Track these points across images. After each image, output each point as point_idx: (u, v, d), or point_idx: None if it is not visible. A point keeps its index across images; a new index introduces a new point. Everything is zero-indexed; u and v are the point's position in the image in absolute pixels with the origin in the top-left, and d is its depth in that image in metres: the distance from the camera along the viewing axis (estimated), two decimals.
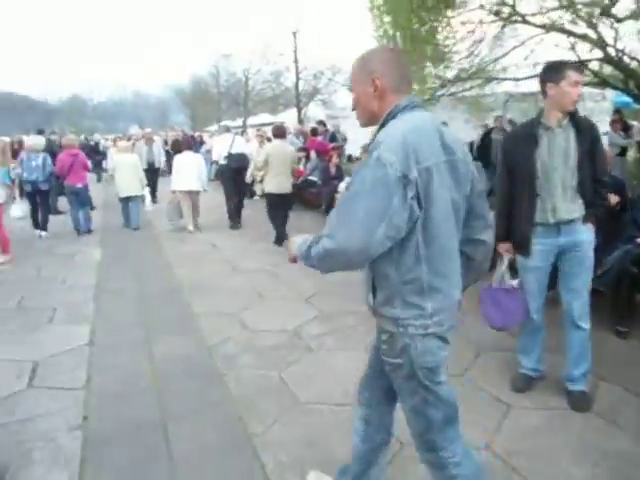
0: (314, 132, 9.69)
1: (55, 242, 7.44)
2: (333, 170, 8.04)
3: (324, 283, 4.81)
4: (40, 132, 15.31)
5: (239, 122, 28.31)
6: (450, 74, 7.20)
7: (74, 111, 79.61)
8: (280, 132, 6.93)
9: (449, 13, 6.74)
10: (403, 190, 1.33)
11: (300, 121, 20.93)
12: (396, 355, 1.51)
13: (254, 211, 8.61)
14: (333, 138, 11.08)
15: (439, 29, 6.87)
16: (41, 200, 7.75)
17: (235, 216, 7.92)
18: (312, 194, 8.62)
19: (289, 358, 3.37)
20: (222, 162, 7.93)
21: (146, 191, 8.54)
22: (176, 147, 9.55)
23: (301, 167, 9.28)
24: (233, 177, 7.83)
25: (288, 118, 24.25)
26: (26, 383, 3.17)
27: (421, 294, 1.44)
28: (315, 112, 22.47)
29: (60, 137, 13.97)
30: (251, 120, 28.54)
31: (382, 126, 1.48)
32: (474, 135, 10.10)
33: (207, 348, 3.58)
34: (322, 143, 9.56)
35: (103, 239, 7.61)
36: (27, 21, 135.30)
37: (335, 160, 8.10)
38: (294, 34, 23.44)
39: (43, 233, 7.76)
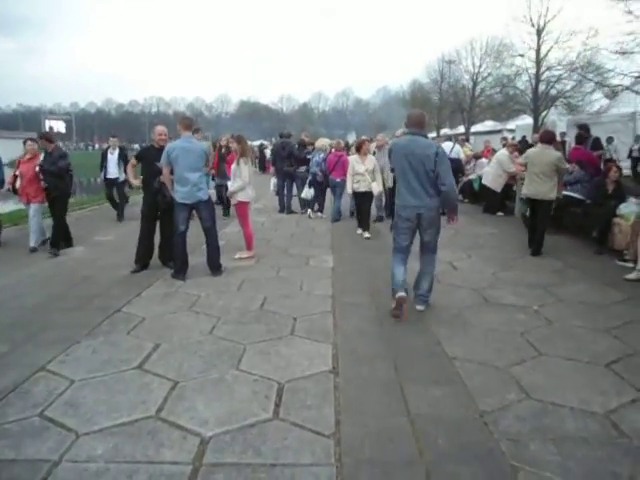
0: (579, 139, 7.94)
1: (295, 240, 7.60)
2: (611, 187, 6.33)
3: (630, 344, 3.50)
4: (281, 135, 16.76)
5: (460, 129, 26.94)
6: None
7: (303, 118, 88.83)
8: (546, 138, 6.40)
9: None
10: (388, 157, 5.74)
11: (536, 128, 18.52)
12: None
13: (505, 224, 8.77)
14: (596, 145, 9.06)
15: None
16: (320, 189, 10.02)
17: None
18: (575, 215, 7.01)
19: (617, 469, 2.25)
20: None
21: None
22: None
23: None
24: None
25: (519, 125, 21.93)
26: (272, 411, 2.78)
27: (397, 197, 4.25)
28: (554, 118, 19.68)
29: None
30: (475, 128, 26.89)
31: None
32: None
33: (480, 415, 2.70)
34: (588, 153, 7.79)
35: (334, 243, 7.46)
36: (263, 41, 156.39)
37: (614, 174, 6.36)
38: (538, 32, 21.02)
39: (319, 214, 10.06)
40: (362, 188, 7.76)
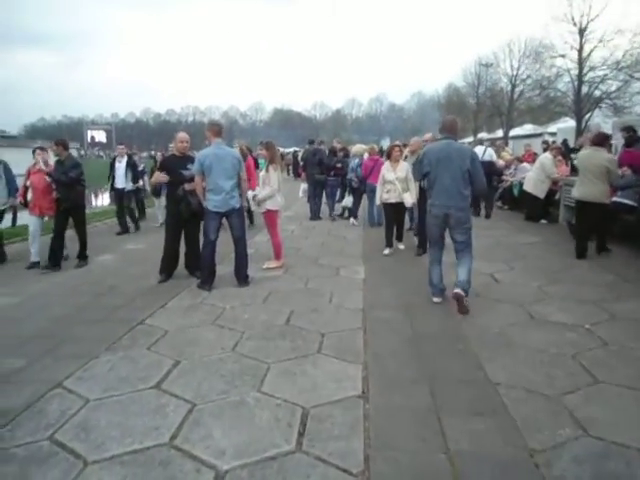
0: (630, 141, 7.38)
1: (325, 249, 7.37)
2: None
3: None
4: (311, 142, 16.60)
5: (499, 134, 26.10)
6: None
7: (336, 125, 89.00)
8: (597, 140, 6.36)
9: None
10: (419, 164, 4.75)
11: (579, 132, 17.69)
12: None
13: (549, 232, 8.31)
14: None
15: None
16: (356, 195, 9.88)
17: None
18: (627, 223, 6.48)
19: None
20: None
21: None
22: None
23: None
24: None
25: (560, 128, 21.02)
26: (295, 440, 2.52)
27: (431, 197, 4.66)
28: (599, 120, 18.74)
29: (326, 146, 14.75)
30: (513, 131, 25.99)
31: None
32: None
33: (530, 455, 2.36)
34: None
35: (366, 252, 7.17)
36: (298, 49, 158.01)
37: None
38: (580, 31, 20.13)
39: (352, 220, 9.84)
40: (392, 199, 6.96)
